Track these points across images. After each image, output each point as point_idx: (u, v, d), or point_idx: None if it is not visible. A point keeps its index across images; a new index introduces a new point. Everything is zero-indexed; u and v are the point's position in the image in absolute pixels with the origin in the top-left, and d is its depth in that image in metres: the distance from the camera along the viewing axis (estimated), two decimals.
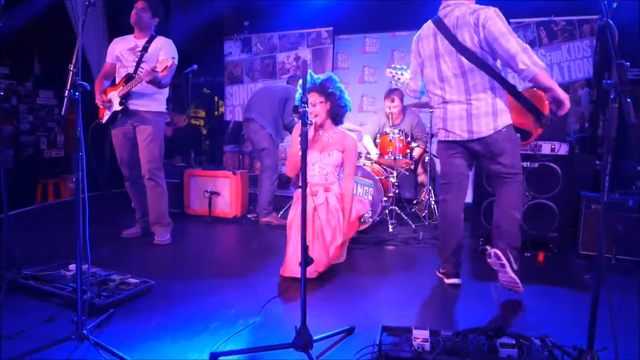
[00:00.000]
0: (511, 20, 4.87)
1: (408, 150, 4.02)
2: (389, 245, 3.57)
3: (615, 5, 1.69)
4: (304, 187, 1.66)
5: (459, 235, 2.62)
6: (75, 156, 1.70)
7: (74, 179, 5.74)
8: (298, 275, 2.52)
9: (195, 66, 4.78)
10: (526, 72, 2.23)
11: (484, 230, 3.45)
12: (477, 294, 2.54)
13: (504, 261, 2.37)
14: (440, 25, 2.48)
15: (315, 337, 1.74)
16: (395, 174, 4.14)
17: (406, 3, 5.17)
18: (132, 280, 2.41)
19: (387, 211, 3.95)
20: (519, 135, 2.52)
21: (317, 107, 2.79)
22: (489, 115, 2.43)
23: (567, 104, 2.29)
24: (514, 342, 1.73)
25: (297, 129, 2.74)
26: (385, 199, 3.85)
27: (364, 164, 3.96)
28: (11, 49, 5.02)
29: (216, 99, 7.59)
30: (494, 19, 2.30)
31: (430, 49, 2.55)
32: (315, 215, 2.71)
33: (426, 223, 4.05)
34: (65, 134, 6.01)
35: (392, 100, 4.45)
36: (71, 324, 1.81)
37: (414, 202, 4.61)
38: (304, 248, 1.67)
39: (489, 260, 2.43)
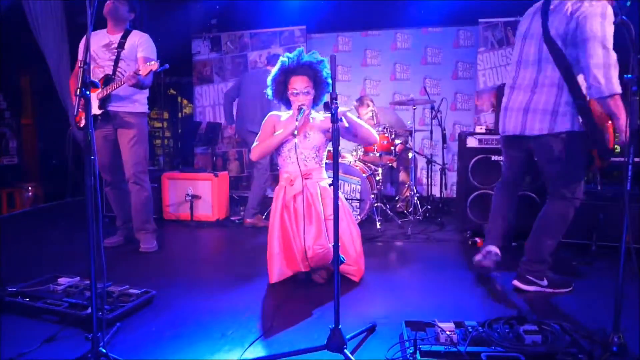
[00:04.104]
0: (480, 20, 5.07)
1: (392, 147, 4.07)
2: (379, 241, 3.60)
3: (629, 3, 1.78)
4: (336, 185, 1.63)
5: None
6: (87, 159, 1.58)
7: (29, 188, 5.42)
8: (287, 276, 2.49)
9: (167, 65, 4.59)
10: (594, 90, 2.06)
11: (470, 223, 3.57)
12: (471, 285, 2.58)
13: (531, 288, 2.40)
14: (545, 5, 2.27)
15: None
16: (379, 171, 4.18)
17: (378, 3, 5.24)
18: (132, 291, 2.26)
19: (372, 208, 3.98)
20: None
21: (309, 96, 2.47)
22: (547, 113, 2.25)
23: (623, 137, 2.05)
24: (537, 329, 1.80)
25: (271, 116, 2.58)
26: (372, 196, 3.88)
27: (350, 162, 3.97)
28: None
29: (179, 99, 7.34)
30: (593, 18, 2.04)
31: (523, 28, 2.40)
32: (293, 207, 2.46)
33: (412, 218, 4.12)
34: (19, 139, 5.57)
35: (367, 106, 4.53)
36: (78, 342, 1.70)
37: (396, 198, 4.67)
38: (337, 246, 1.64)
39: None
